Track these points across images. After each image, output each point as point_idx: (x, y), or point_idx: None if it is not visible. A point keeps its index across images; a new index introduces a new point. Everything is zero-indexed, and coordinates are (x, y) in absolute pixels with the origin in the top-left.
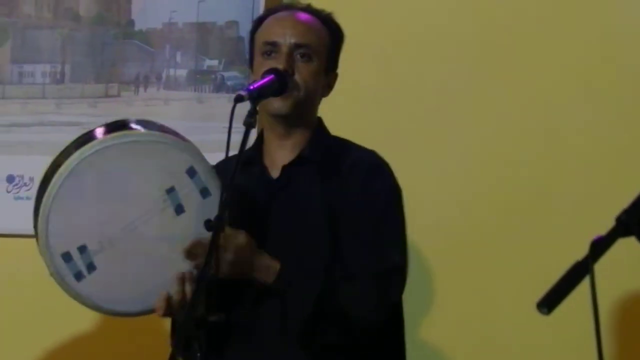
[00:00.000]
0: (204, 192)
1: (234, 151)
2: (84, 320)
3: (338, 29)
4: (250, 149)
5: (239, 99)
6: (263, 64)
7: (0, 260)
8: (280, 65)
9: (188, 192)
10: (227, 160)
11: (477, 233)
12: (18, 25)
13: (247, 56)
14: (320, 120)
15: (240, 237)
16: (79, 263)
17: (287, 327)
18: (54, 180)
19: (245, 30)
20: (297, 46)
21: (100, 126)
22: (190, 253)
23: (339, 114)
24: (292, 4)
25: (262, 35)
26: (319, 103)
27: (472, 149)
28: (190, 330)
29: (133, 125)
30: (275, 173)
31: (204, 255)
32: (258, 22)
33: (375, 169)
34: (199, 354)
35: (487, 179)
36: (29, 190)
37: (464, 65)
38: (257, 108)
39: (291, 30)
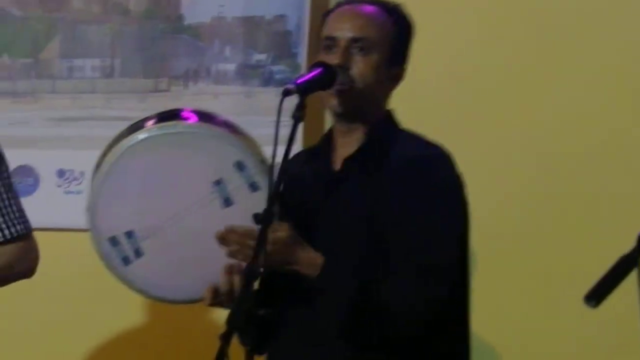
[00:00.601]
0: (253, 186)
1: (282, 145)
2: (135, 313)
3: (405, 21)
4: (320, 140)
5: (286, 93)
6: (324, 58)
7: (51, 255)
8: (336, 60)
9: (237, 186)
10: (296, 155)
11: (530, 226)
12: (67, 20)
13: (295, 50)
14: (389, 113)
15: (280, 230)
16: (126, 248)
17: (329, 322)
18: (103, 165)
19: (293, 24)
20: (354, 40)
21: (153, 115)
22: (222, 238)
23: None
24: None
25: (325, 30)
26: (384, 96)
27: (533, 145)
28: (239, 324)
29: (185, 115)
30: (337, 166)
31: (235, 243)
32: (324, 17)
33: (429, 163)
34: (247, 348)
35: (539, 172)
36: (79, 184)
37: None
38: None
39: (349, 24)
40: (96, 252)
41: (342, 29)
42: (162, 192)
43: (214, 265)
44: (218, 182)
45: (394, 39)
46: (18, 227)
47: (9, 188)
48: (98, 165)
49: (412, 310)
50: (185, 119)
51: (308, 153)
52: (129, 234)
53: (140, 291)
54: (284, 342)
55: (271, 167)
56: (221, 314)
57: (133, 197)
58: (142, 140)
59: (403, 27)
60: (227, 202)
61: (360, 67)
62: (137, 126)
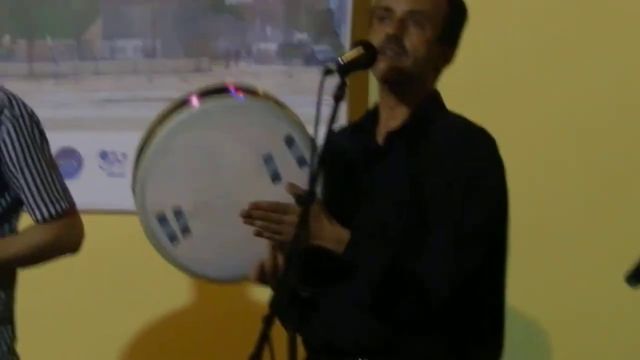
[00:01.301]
0: (301, 161)
1: (323, 125)
2: (179, 295)
3: (459, 3)
4: (365, 115)
5: (327, 72)
6: (377, 29)
7: (94, 237)
8: (390, 29)
9: (285, 161)
10: (341, 130)
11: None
12: (110, 1)
13: (337, 29)
14: (436, 93)
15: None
16: (174, 226)
17: (359, 297)
18: (151, 142)
19: (335, 2)
20: (410, 12)
21: (199, 89)
22: (247, 215)
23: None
24: None
25: (379, 1)
26: (433, 74)
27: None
28: (281, 307)
29: (233, 90)
30: (381, 140)
31: (260, 219)
32: None
33: (473, 141)
34: (290, 330)
35: (579, 155)
36: (121, 166)
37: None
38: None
39: None
40: (143, 230)
41: (399, 1)
42: (210, 169)
43: (260, 242)
44: (267, 157)
45: (448, 18)
46: (62, 204)
47: (52, 165)
48: (145, 142)
49: (444, 282)
50: (233, 93)
51: (352, 127)
52: (178, 212)
53: (187, 269)
54: (318, 316)
55: (313, 148)
56: (264, 296)
57: (182, 174)
58: (192, 115)
59: (457, 8)
60: (276, 177)
61: (413, 40)
62: (183, 101)
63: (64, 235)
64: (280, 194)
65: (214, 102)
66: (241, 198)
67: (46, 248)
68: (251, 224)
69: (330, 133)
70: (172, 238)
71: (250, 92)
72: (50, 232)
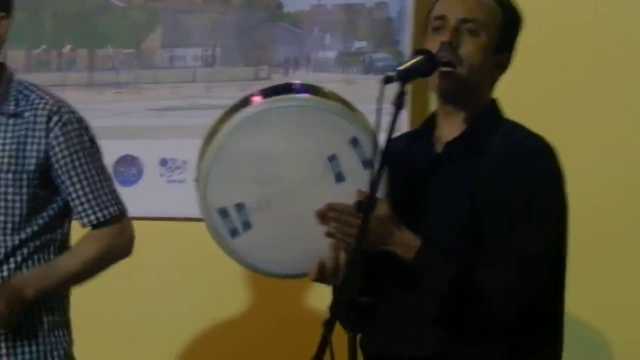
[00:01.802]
0: (366, 163)
1: (384, 132)
2: (236, 300)
3: (514, 11)
4: (423, 123)
5: (387, 80)
6: (431, 39)
7: (154, 243)
8: (444, 38)
9: (350, 162)
10: (400, 136)
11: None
12: (169, 10)
13: (397, 38)
14: (493, 101)
15: (379, 209)
16: (235, 220)
17: (424, 307)
18: (216, 137)
19: (394, 11)
20: (464, 20)
21: (265, 88)
22: (322, 216)
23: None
24: None
25: (434, 11)
26: (489, 81)
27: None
28: (342, 312)
29: (298, 89)
30: (439, 148)
31: (334, 220)
32: (434, 2)
33: (532, 154)
34: (350, 334)
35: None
36: (181, 173)
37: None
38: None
39: (460, 5)
40: (205, 223)
41: (453, 9)
42: (274, 165)
43: (321, 240)
44: (332, 157)
45: (502, 26)
46: (111, 209)
47: (102, 171)
48: (209, 137)
49: (507, 300)
50: (298, 92)
51: (411, 135)
52: (239, 206)
53: (246, 264)
54: (380, 324)
55: (374, 155)
56: (324, 299)
57: (244, 170)
58: (258, 112)
59: (511, 16)
60: (340, 177)
61: (468, 48)
62: (248, 99)
63: (115, 243)
64: (343, 195)
65: (279, 100)
66: (304, 196)
67: (99, 260)
68: (325, 224)
69: (390, 140)
70: (233, 232)
71: (316, 91)
72: (101, 242)
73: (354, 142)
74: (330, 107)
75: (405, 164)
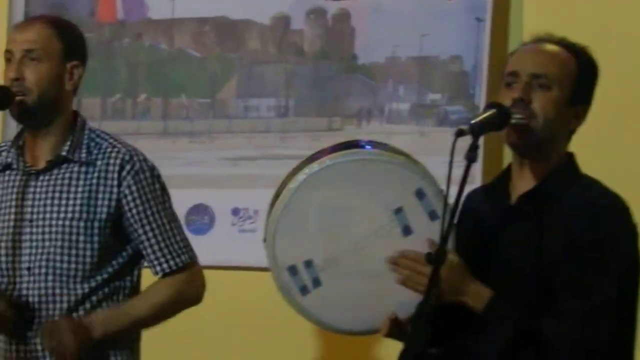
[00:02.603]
0: (432, 215)
1: (456, 185)
2: (308, 350)
3: (589, 61)
4: (499, 175)
5: (460, 133)
6: (504, 94)
7: (225, 292)
8: (516, 93)
9: (416, 214)
10: (477, 190)
11: None
12: (244, 60)
13: (471, 91)
14: (570, 155)
15: (451, 260)
16: (305, 277)
17: (492, 355)
18: (282, 194)
19: (469, 64)
20: (535, 76)
21: (331, 145)
22: (394, 264)
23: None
24: (542, 37)
25: (507, 66)
26: (564, 134)
27: None
28: None
29: (363, 145)
30: (513, 201)
31: (407, 268)
32: (509, 56)
33: (606, 211)
34: None
35: None
36: (253, 223)
37: None
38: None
39: (531, 60)
40: (275, 282)
41: (524, 64)
42: (341, 221)
43: (391, 295)
44: (398, 210)
45: (577, 78)
46: (183, 257)
47: (173, 219)
48: (277, 195)
49: (575, 350)
50: (363, 147)
51: (487, 188)
52: (308, 264)
53: (317, 321)
54: None
55: (445, 207)
56: (391, 351)
57: (312, 226)
58: (322, 168)
59: (587, 67)
60: (407, 231)
61: (540, 102)
62: (316, 156)
63: (185, 290)
64: (411, 248)
65: (344, 156)
66: (372, 251)
67: (169, 305)
68: (396, 271)
69: (461, 192)
70: (303, 289)
71: (380, 146)
72: (172, 288)
73: (420, 194)
74: (394, 159)
75: (478, 216)
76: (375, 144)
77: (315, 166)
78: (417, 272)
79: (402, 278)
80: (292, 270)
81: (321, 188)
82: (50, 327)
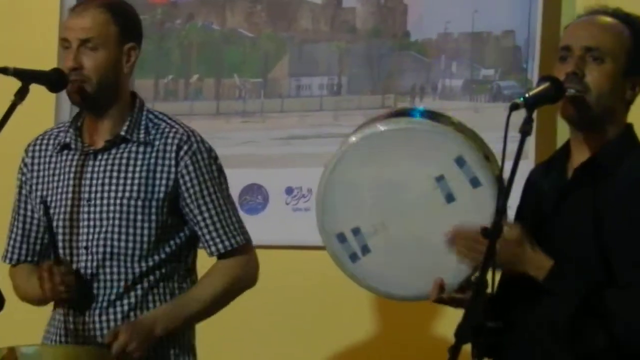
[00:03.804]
0: (474, 182)
1: (510, 160)
2: (362, 327)
3: None
4: (558, 150)
5: (514, 107)
6: (558, 69)
7: (279, 272)
8: (570, 68)
9: (458, 181)
10: (538, 165)
11: None
12: (296, 39)
13: (524, 65)
14: (628, 127)
15: (513, 229)
16: (354, 244)
17: (553, 325)
18: (330, 162)
19: (521, 39)
20: (588, 49)
21: (383, 113)
22: (451, 240)
23: None
24: (595, 9)
25: (561, 41)
26: (620, 106)
27: None
28: (467, 337)
29: (411, 112)
30: (570, 174)
31: (463, 244)
32: (564, 31)
33: None
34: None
35: None
36: (307, 201)
37: None
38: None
39: (583, 33)
40: (326, 250)
41: (577, 38)
42: (386, 189)
43: (438, 261)
44: (440, 178)
45: (631, 49)
46: (238, 239)
47: (229, 200)
48: (326, 165)
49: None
50: (412, 116)
51: (547, 162)
52: (356, 231)
53: (369, 287)
54: (507, 346)
55: (500, 180)
56: (451, 325)
57: (358, 195)
58: (366, 136)
59: None
60: (449, 198)
61: (594, 75)
62: (365, 123)
63: (242, 274)
64: (456, 215)
65: (391, 124)
66: (417, 218)
67: (227, 292)
68: (453, 248)
69: (513, 174)
70: (353, 256)
71: (431, 115)
72: (229, 274)
73: (460, 161)
74: (436, 128)
75: (539, 191)
76: (424, 112)
77: (359, 134)
78: (475, 248)
79: (459, 250)
80: (341, 237)
81: (366, 156)
82: (113, 333)
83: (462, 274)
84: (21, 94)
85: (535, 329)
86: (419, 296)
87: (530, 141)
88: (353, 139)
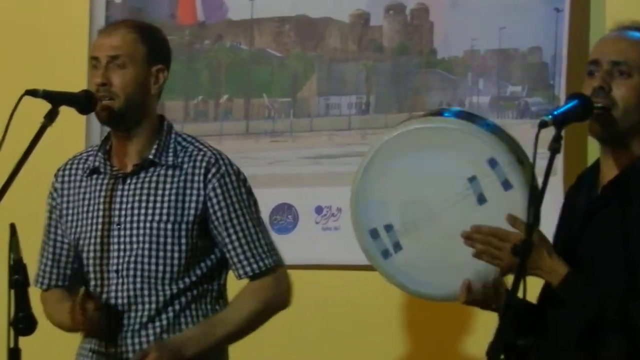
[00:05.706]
0: (506, 184)
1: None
2: (397, 343)
3: None
4: (591, 165)
5: (542, 125)
6: (586, 84)
7: (310, 291)
8: (597, 82)
9: (490, 183)
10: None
11: None
12: (324, 58)
13: (551, 82)
14: None
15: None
16: (386, 241)
17: (569, 332)
18: (365, 158)
19: (548, 55)
20: (615, 63)
21: (419, 114)
22: (468, 238)
23: None
24: (625, 25)
25: (590, 55)
26: None
27: None
28: (498, 356)
29: (444, 113)
30: (599, 191)
31: (481, 243)
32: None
33: None
34: None
35: None
36: (336, 220)
37: None
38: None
39: (611, 48)
40: (359, 245)
41: (604, 52)
42: (419, 187)
43: (469, 262)
44: (472, 179)
45: None
46: (267, 261)
47: (258, 222)
48: (362, 160)
49: None
50: (447, 116)
51: (580, 179)
52: (388, 228)
53: (400, 284)
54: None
55: (533, 193)
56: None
57: (391, 191)
58: (398, 134)
59: None
60: (481, 199)
61: (621, 90)
62: (402, 123)
63: (272, 297)
64: (487, 216)
65: (420, 122)
66: (449, 218)
67: (259, 315)
68: (471, 245)
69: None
70: (385, 253)
71: (466, 116)
72: (259, 297)
73: (492, 162)
74: (470, 129)
75: (572, 208)
76: (459, 113)
77: (392, 131)
78: (494, 246)
79: (476, 251)
80: (374, 233)
81: (399, 154)
82: (143, 353)
83: (490, 276)
84: (50, 117)
85: (550, 337)
86: (446, 296)
87: (559, 158)
88: (389, 136)
